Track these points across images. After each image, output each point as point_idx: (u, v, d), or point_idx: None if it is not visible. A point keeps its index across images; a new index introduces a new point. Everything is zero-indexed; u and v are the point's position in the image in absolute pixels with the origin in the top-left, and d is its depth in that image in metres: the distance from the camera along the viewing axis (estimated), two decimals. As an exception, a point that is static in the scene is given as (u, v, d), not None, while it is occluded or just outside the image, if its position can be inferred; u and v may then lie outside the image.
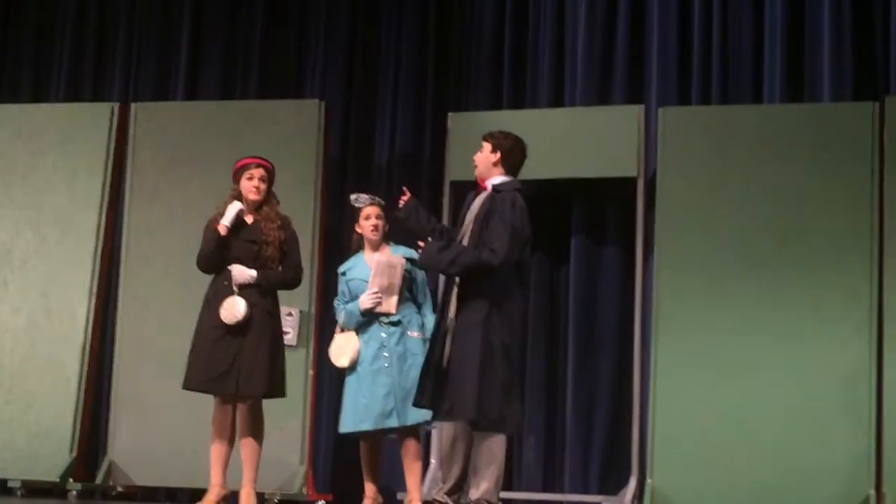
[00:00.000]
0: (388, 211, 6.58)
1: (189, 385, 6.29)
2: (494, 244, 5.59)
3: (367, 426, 6.37)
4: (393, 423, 6.32)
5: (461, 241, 5.77)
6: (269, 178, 6.41)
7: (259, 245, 6.30)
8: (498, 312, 5.60)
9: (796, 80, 7.46)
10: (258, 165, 6.38)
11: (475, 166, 5.90)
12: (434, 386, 5.69)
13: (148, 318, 7.71)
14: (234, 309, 6.19)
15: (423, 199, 7.90)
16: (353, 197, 6.64)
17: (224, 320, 6.20)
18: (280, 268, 6.40)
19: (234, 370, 6.17)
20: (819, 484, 6.70)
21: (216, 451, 6.30)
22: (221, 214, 6.33)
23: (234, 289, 6.24)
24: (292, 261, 6.43)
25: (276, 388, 6.32)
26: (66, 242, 7.88)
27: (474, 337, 5.56)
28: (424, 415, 6.12)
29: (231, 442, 6.32)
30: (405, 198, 6.10)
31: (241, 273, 6.25)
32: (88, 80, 8.76)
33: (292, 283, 6.48)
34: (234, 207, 6.31)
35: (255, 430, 6.28)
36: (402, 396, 6.31)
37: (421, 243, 5.85)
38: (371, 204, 6.57)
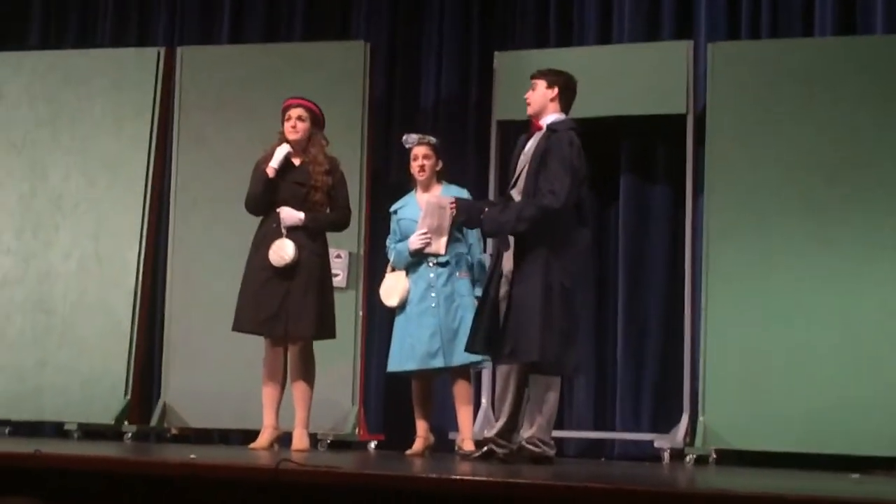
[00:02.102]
0: (439, 148, 6.58)
1: (238, 327, 6.34)
2: (554, 185, 5.55)
3: (411, 366, 6.40)
4: (438, 363, 6.34)
5: (516, 183, 5.74)
6: (312, 118, 6.42)
7: (307, 188, 6.32)
8: (557, 254, 5.58)
9: (848, 12, 7.33)
10: (297, 105, 6.40)
11: (528, 105, 5.85)
12: (488, 330, 5.68)
13: (197, 261, 7.75)
14: (282, 251, 6.22)
15: (469, 140, 7.92)
16: (403, 137, 6.64)
17: (272, 262, 6.23)
18: (328, 211, 6.41)
19: (283, 313, 6.22)
20: (873, 421, 6.65)
21: (268, 392, 6.36)
22: (270, 156, 6.35)
23: (283, 231, 6.26)
24: (340, 202, 6.45)
25: (326, 330, 6.36)
26: (116, 187, 7.92)
27: (535, 280, 5.53)
28: (471, 355, 6.13)
29: (283, 383, 6.37)
30: (453, 205, 6.03)
31: (290, 215, 6.27)
32: (134, 25, 8.75)
33: (341, 224, 6.50)
34: (283, 150, 6.32)
35: (306, 372, 6.33)
36: (448, 337, 6.33)
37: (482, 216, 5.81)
38: (419, 144, 6.56)
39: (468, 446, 6.25)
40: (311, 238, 6.32)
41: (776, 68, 7.15)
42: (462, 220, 6.02)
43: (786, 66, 7.13)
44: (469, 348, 5.83)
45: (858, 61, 7.01)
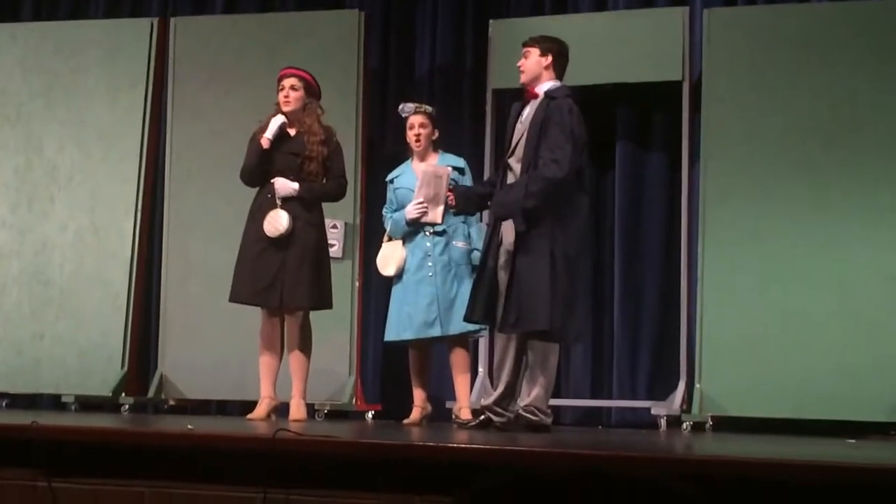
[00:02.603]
0: (435, 117, 6.56)
1: (235, 298, 6.35)
2: (556, 154, 5.53)
3: (409, 335, 6.40)
4: (436, 332, 6.35)
5: (513, 152, 5.72)
6: (306, 87, 6.39)
7: (302, 159, 6.30)
8: (561, 222, 5.57)
9: (844, -23, 7.31)
10: (289, 75, 6.39)
11: (521, 73, 5.83)
12: (487, 299, 5.67)
13: (193, 231, 7.74)
14: (276, 222, 6.21)
15: (465, 108, 7.89)
16: (400, 107, 6.63)
17: (267, 233, 6.23)
18: (324, 181, 6.40)
19: (278, 283, 6.21)
20: (869, 386, 6.67)
21: (265, 363, 6.36)
22: (265, 128, 6.33)
23: (277, 202, 6.25)
24: (336, 172, 6.43)
25: (322, 300, 6.35)
26: (111, 158, 7.90)
27: (541, 248, 5.53)
28: (468, 324, 6.14)
29: (280, 354, 6.37)
30: (451, 197, 6.02)
31: (284, 186, 6.26)
32: (127, -5, 8.72)
33: (336, 194, 6.48)
34: (277, 121, 6.31)
35: (303, 342, 6.33)
36: (445, 306, 6.33)
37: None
38: (416, 113, 6.55)
39: (465, 415, 6.26)
40: (306, 208, 6.31)
41: (772, 34, 7.13)
42: (461, 207, 6.00)
43: (782, 32, 7.11)
44: (468, 318, 5.83)
45: (855, 26, 6.99)
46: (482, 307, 5.70)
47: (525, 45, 5.86)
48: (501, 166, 5.88)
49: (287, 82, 6.38)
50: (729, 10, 7.38)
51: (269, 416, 6.34)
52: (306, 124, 6.36)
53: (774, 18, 7.19)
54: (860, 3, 7.15)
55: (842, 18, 7.06)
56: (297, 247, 6.24)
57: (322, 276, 6.34)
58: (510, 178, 5.75)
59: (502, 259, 5.67)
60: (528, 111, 5.77)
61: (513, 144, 5.77)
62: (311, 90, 6.43)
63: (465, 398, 6.45)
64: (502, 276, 5.65)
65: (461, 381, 6.47)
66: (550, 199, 5.54)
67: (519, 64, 5.84)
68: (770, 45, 7.12)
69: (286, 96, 6.36)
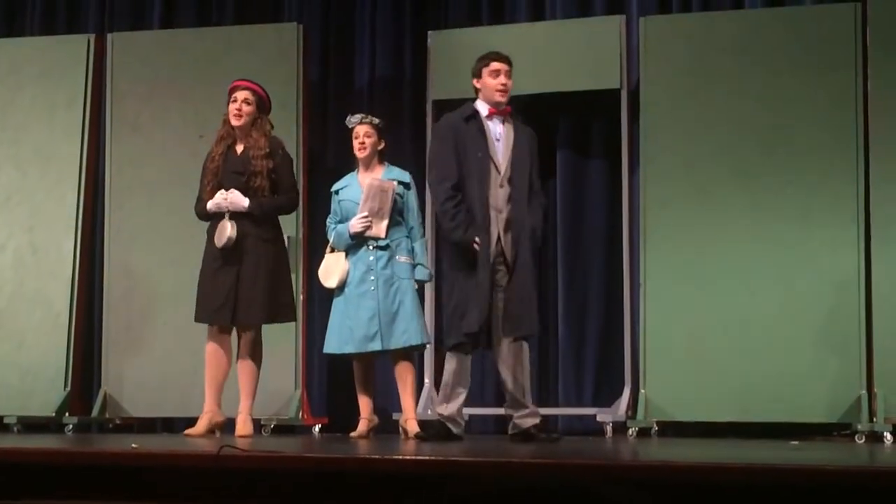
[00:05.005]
0: (382, 129, 6.55)
1: (197, 318, 6.32)
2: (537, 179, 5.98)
3: (350, 349, 6.39)
4: (376, 346, 6.32)
5: (510, 177, 5.83)
6: (258, 103, 6.36)
7: (247, 176, 6.27)
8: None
9: (777, -16, 7.40)
10: (243, 88, 6.35)
11: (505, 92, 5.90)
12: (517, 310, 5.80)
13: (135, 249, 7.68)
14: (222, 232, 6.21)
15: (405, 120, 7.90)
16: (347, 118, 6.62)
17: (217, 245, 6.22)
18: (275, 196, 6.36)
19: (230, 301, 6.19)
20: (811, 388, 6.74)
21: (210, 377, 6.33)
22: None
23: (225, 213, 6.22)
24: (285, 185, 6.40)
25: (280, 314, 6.34)
26: (49, 177, 7.83)
27: (530, 259, 5.80)
28: (409, 338, 6.18)
29: (226, 369, 6.34)
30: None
31: (236, 201, 6.22)
32: (63, 12, 8.63)
33: (287, 208, 6.48)
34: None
35: (254, 354, 6.31)
36: (386, 320, 6.31)
37: None
38: (361, 123, 6.54)
39: (412, 427, 6.25)
40: (255, 224, 6.28)
41: (707, 41, 7.20)
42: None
43: (717, 39, 7.19)
44: (522, 334, 5.85)
45: (788, 32, 7.08)
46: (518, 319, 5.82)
47: (508, 62, 5.92)
48: (503, 191, 5.86)
49: (240, 95, 6.34)
50: (664, 18, 7.45)
51: (211, 431, 6.29)
52: (252, 139, 6.33)
53: (710, 25, 7.27)
54: (792, 9, 7.26)
55: (774, 24, 7.14)
56: (249, 263, 6.22)
57: (280, 290, 6.33)
58: (510, 196, 5.85)
59: (501, 270, 5.82)
60: (502, 130, 5.86)
61: (504, 166, 5.84)
62: (263, 106, 6.41)
63: (411, 410, 6.44)
64: (506, 289, 5.80)
65: (407, 393, 6.45)
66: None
67: (507, 82, 5.89)
68: (706, 51, 7.19)
69: (238, 109, 6.32)
